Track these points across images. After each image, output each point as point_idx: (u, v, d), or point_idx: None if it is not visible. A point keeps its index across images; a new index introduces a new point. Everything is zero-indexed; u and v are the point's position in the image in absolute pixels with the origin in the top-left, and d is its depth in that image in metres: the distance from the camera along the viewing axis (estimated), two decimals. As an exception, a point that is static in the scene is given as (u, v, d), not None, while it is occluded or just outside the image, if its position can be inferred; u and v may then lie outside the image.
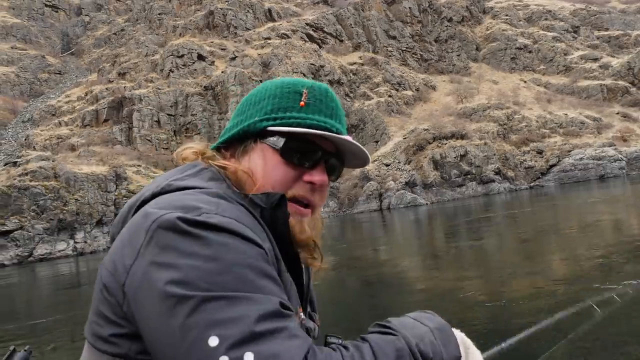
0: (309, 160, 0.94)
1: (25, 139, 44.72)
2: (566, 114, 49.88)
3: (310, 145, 0.94)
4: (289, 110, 0.95)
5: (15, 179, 30.59)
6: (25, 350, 1.43)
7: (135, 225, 0.79)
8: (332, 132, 0.94)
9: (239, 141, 0.97)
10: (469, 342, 0.91)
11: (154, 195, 0.85)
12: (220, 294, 0.67)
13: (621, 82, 55.19)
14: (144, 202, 0.85)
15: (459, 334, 0.90)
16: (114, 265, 0.78)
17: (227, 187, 0.89)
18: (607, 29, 68.45)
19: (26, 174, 31.17)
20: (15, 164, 38.13)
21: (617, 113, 51.03)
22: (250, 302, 0.67)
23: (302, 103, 0.95)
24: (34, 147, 42.19)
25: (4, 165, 38.42)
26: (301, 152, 0.93)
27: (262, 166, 0.93)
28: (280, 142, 0.93)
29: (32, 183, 30.52)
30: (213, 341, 0.64)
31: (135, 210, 0.85)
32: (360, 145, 0.98)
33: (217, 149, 1.00)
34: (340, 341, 0.84)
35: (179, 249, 0.71)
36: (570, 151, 44.43)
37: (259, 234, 0.79)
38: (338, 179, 1.07)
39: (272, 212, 0.86)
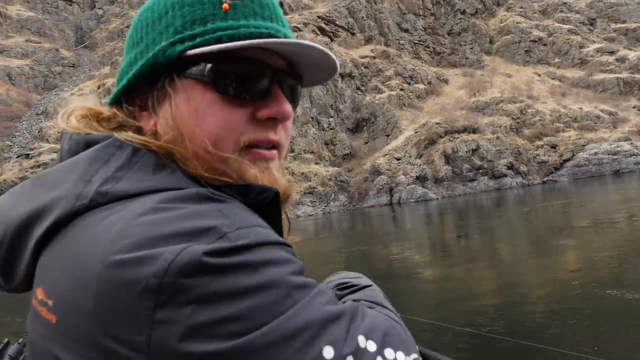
0: (257, 88, 0.65)
1: (38, 132, 45.34)
2: (581, 108, 49.13)
3: (254, 66, 0.65)
4: (209, 21, 0.64)
5: (27, 171, 31.04)
6: (18, 344, 1.41)
7: (108, 280, 0.50)
8: (277, 38, 0.66)
9: (147, 84, 0.65)
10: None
11: (77, 213, 0.57)
12: (298, 309, 0.52)
13: (638, 76, 54.16)
14: (59, 223, 0.57)
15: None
16: (97, 348, 0.50)
17: (182, 174, 0.62)
18: (624, 22, 67.08)
19: (38, 166, 31.66)
20: (27, 156, 38.64)
21: (634, 107, 50.11)
22: (317, 296, 0.55)
23: (225, 6, 0.65)
24: (47, 139, 42.78)
25: (17, 158, 38.99)
26: (243, 79, 0.64)
27: (192, 114, 0.63)
28: (208, 70, 0.63)
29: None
30: (328, 353, 0.52)
31: (43, 235, 0.58)
32: (322, 47, 0.67)
33: (117, 103, 0.68)
34: None
35: (226, 292, 0.50)
36: (584, 146, 43.82)
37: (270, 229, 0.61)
38: (297, 106, 0.76)
39: (262, 212, 0.63)
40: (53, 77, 61.57)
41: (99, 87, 52.40)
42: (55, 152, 35.30)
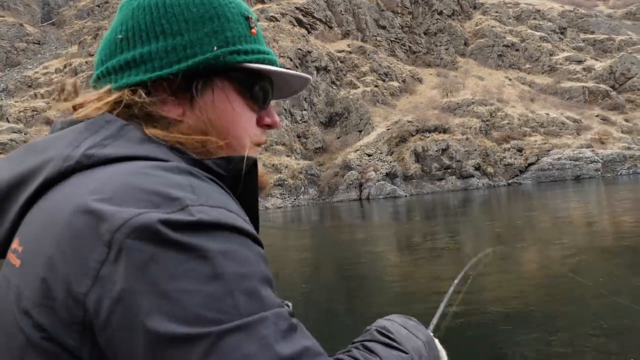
0: (268, 100, 0.81)
1: (-2, 110, 43.29)
2: (548, 114, 50.47)
3: (270, 84, 0.81)
4: (246, 41, 0.77)
5: (-16, 150, 29.64)
6: None
7: (71, 227, 0.53)
8: (281, 67, 0.82)
9: (188, 77, 0.73)
10: (442, 349, 0.91)
11: (64, 174, 0.60)
12: (235, 324, 0.49)
13: (602, 86, 56.00)
14: (48, 183, 0.60)
15: (439, 345, 0.91)
16: (45, 292, 0.52)
17: (168, 149, 0.66)
18: (592, 32, 69.18)
19: (-4, 146, 30.22)
20: (-15, 134, 36.88)
21: (597, 116, 51.84)
22: (265, 324, 0.51)
23: (253, 31, 0.79)
24: (7, 118, 40.92)
25: (-26, 136, 37.19)
26: (264, 92, 0.80)
27: (229, 114, 0.75)
28: (251, 81, 0.77)
29: (1, 156, 29.65)
30: None
31: (32, 195, 0.61)
32: (309, 80, 0.88)
33: (142, 87, 0.71)
34: (289, 306, 0.79)
35: (168, 268, 0.50)
36: (549, 150, 45.06)
37: (244, 217, 0.61)
38: None
39: (243, 181, 0.69)
40: (16, 54, 58.78)
41: (65, 67, 50.43)
42: (15, 132, 33.86)
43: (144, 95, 0.70)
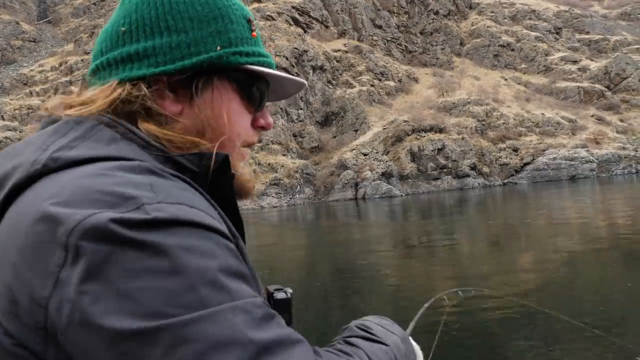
0: (263, 102, 0.82)
1: (-7, 108, 43.13)
2: (543, 114, 50.68)
3: (267, 86, 0.82)
4: (247, 43, 0.78)
5: (-21, 148, 29.53)
6: None
7: (32, 234, 0.53)
8: (277, 70, 0.83)
9: (190, 75, 0.73)
10: (418, 348, 0.94)
11: (32, 178, 0.59)
12: (199, 314, 0.49)
13: (597, 86, 56.26)
14: (17, 188, 0.59)
15: (413, 342, 0.94)
16: (10, 299, 0.52)
17: (140, 147, 0.65)
18: (588, 33, 69.48)
19: (-8, 144, 30.12)
20: (-20, 132, 36.75)
21: (592, 116, 52.10)
22: (236, 312, 0.51)
23: (254, 34, 0.80)
24: (2, 116, 40.78)
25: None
26: (261, 94, 0.81)
27: (226, 113, 0.75)
28: (250, 82, 0.78)
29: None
30: None
31: (3, 201, 0.59)
32: (304, 85, 0.89)
33: (143, 81, 0.71)
34: (287, 293, 0.82)
35: (124, 267, 0.49)
36: (544, 150, 45.25)
37: (212, 213, 0.60)
38: None
39: (214, 177, 0.68)
40: (12, 52, 58.55)
41: (60, 65, 50.27)
42: (9, 129, 33.77)
43: (145, 89, 0.69)
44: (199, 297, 0.49)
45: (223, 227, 0.58)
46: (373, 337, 0.80)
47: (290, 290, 0.86)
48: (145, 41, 0.72)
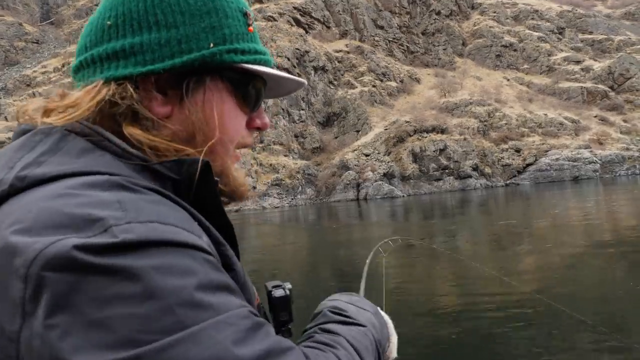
0: (259, 102, 0.77)
1: (-4, 109, 43.27)
2: (546, 114, 50.49)
3: (264, 85, 0.77)
4: (243, 39, 0.73)
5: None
6: None
7: None
8: (276, 69, 0.78)
9: (180, 74, 0.68)
10: (388, 318, 0.94)
11: None
12: (179, 336, 0.46)
13: (601, 86, 56.02)
14: None
15: (384, 314, 0.93)
16: None
17: (114, 157, 0.60)
18: (591, 32, 69.22)
19: (-7, 145, 30.16)
20: (-18, 133, 36.81)
21: (595, 116, 51.86)
22: (219, 328, 0.48)
23: (250, 29, 0.75)
24: (5, 117, 40.92)
25: (-29, 135, 37.12)
26: (257, 94, 0.75)
27: (219, 115, 0.70)
28: (245, 82, 0.73)
29: None
30: None
31: None
32: (304, 83, 0.85)
33: (130, 81, 0.65)
34: (285, 290, 0.81)
35: (92, 296, 0.46)
36: (547, 151, 45.07)
37: (189, 227, 0.55)
38: None
39: (198, 184, 0.63)
40: (15, 53, 58.74)
41: (63, 66, 50.37)
42: (11, 130, 33.83)
43: (132, 90, 0.64)
44: (177, 319, 0.46)
45: (201, 242, 0.54)
46: (349, 319, 0.78)
47: (289, 286, 0.84)
48: (132, 37, 0.66)
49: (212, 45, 0.68)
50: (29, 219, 0.50)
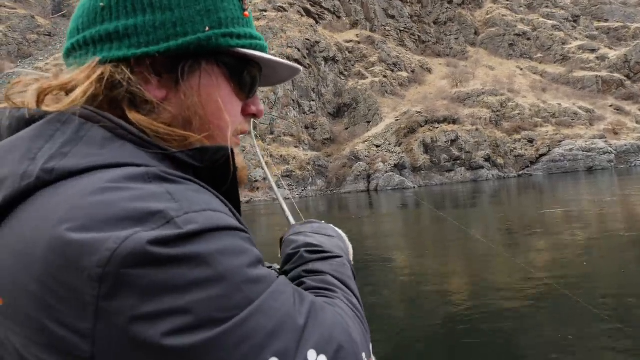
0: (255, 88, 0.77)
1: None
2: (560, 104, 49.79)
3: (259, 71, 0.77)
4: (239, 23, 0.71)
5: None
6: None
7: (53, 264, 0.48)
8: (270, 55, 0.77)
9: (175, 57, 0.67)
10: (341, 232, 0.98)
11: (24, 193, 0.53)
12: (250, 309, 0.51)
13: (617, 75, 55.05)
14: (6, 205, 0.54)
15: (338, 230, 0.98)
16: (37, 330, 0.49)
17: (135, 147, 0.61)
18: (607, 20, 67.91)
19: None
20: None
21: (611, 106, 51.03)
22: (275, 296, 0.54)
23: (245, 14, 0.73)
24: (18, 109, 41.44)
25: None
26: (253, 80, 0.75)
27: (215, 100, 0.69)
28: (241, 67, 0.72)
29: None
30: None
31: None
32: (299, 70, 0.84)
33: (124, 63, 0.64)
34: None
35: (173, 285, 0.48)
36: (561, 141, 44.51)
37: (227, 211, 0.59)
38: None
39: (219, 172, 0.66)
40: (28, 46, 59.36)
41: (75, 58, 50.89)
42: (25, 123, 34.20)
43: (128, 72, 0.63)
44: (245, 295, 0.51)
45: (236, 222, 0.58)
46: (326, 254, 0.81)
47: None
48: (126, 19, 0.65)
49: (207, 28, 0.67)
50: (83, 215, 0.50)
